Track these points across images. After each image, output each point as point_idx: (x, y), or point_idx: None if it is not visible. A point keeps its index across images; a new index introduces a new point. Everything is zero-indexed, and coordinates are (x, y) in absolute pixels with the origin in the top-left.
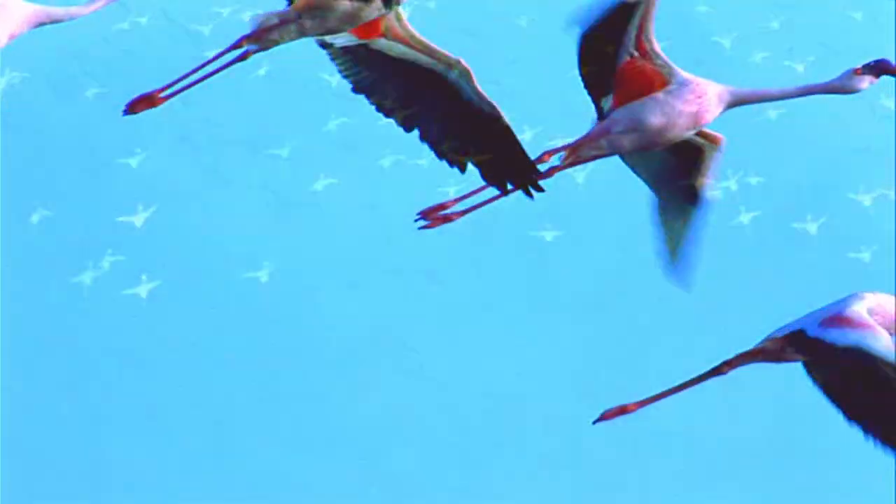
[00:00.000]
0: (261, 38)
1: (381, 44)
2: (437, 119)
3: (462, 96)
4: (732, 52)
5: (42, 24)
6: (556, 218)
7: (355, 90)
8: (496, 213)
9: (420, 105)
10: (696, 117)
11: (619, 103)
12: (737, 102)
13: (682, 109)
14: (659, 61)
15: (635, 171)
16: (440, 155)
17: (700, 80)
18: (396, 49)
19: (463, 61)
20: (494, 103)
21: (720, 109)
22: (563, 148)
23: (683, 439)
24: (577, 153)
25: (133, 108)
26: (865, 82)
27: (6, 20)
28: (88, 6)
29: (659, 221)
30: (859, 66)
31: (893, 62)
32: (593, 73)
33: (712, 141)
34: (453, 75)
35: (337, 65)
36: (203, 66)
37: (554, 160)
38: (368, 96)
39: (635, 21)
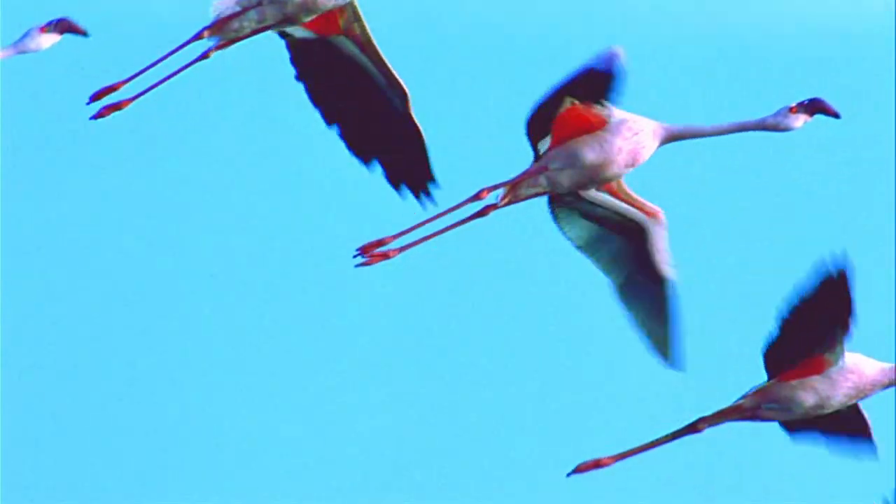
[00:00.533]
0: (222, 27)
1: (339, 40)
2: (361, 122)
3: (393, 114)
4: None
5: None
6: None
7: (298, 77)
8: None
9: (350, 106)
10: (634, 154)
11: (556, 144)
12: (672, 138)
13: (620, 146)
14: (599, 106)
15: (590, 259)
16: (353, 151)
17: (636, 116)
18: (349, 49)
19: (403, 84)
20: (418, 124)
21: (656, 145)
22: (502, 185)
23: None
24: (516, 191)
25: (99, 113)
26: (800, 121)
27: None
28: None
29: (626, 308)
30: (794, 104)
31: (827, 101)
32: (534, 121)
33: (653, 216)
34: (391, 93)
35: (290, 53)
36: (164, 58)
37: (491, 198)
38: (307, 84)
39: None
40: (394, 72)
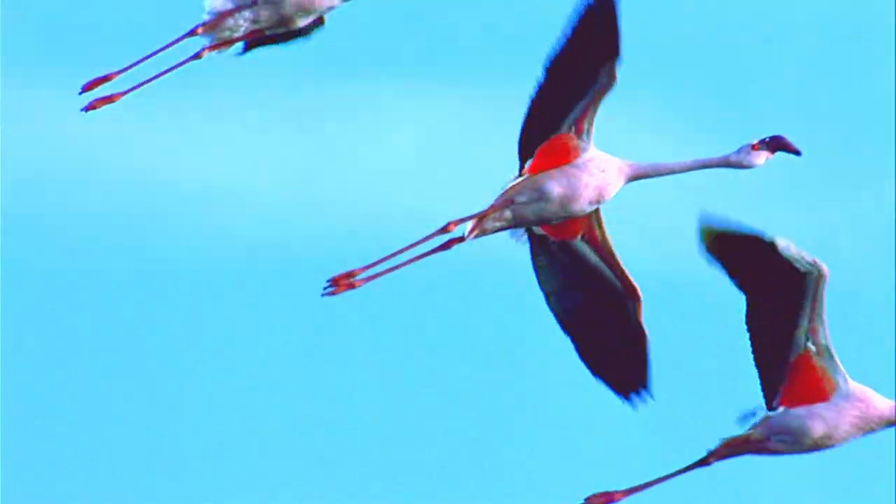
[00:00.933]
0: (216, 26)
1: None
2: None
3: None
4: None
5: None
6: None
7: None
8: None
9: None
10: (600, 190)
11: (534, 171)
12: (637, 176)
13: (587, 182)
14: (583, 138)
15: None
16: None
17: (604, 154)
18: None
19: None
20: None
21: (621, 183)
22: (469, 217)
23: None
24: (483, 224)
25: (91, 105)
26: (762, 158)
27: None
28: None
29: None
30: (756, 141)
31: (788, 139)
32: (529, 133)
33: (632, 292)
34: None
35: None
36: (157, 52)
37: (458, 231)
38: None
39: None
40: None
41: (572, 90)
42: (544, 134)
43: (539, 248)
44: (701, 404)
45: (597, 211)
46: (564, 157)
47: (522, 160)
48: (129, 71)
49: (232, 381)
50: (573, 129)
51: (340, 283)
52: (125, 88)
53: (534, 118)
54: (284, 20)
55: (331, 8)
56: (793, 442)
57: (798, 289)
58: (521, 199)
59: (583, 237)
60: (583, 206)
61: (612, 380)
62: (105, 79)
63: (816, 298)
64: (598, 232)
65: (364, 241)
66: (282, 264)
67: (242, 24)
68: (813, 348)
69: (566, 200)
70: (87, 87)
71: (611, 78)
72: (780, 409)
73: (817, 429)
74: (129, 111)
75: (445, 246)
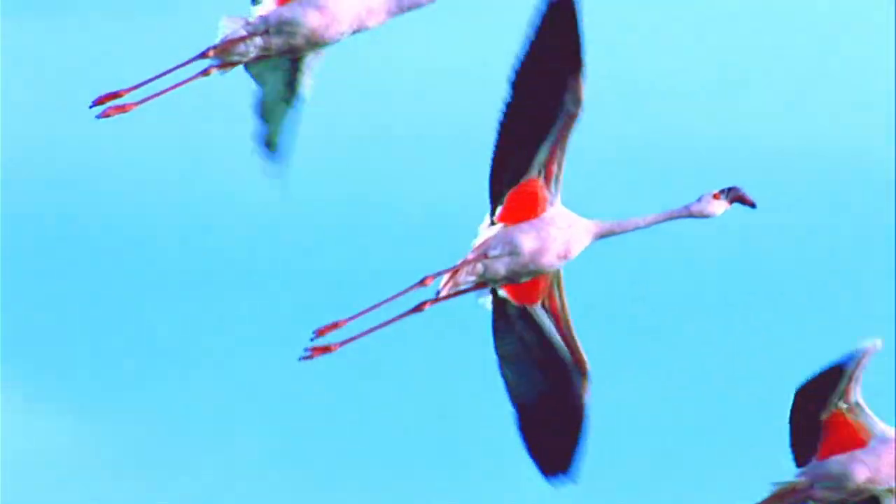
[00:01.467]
0: (226, 49)
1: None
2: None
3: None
4: None
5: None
6: None
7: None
8: None
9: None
10: (567, 245)
11: (503, 219)
12: (604, 234)
13: (555, 235)
14: (552, 190)
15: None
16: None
17: (569, 212)
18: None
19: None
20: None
21: (588, 241)
22: (444, 272)
23: None
24: (456, 278)
25: (105, 112)
26: (721, 207)
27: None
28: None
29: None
30: (717, 190)
31: (745, 190)
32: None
33: (582, 368)
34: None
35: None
36: (169, 71)
37: (431, 290)
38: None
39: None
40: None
41: (539, 115)
42: (514, 176)
43: (500, 311)
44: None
45: (559, 278)
46: (533, 208)
47: (494, 201)
48: (140, 88)
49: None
50: (542, 173)
51: (316, 350)
52: (136, 100)
53: (503, 152)
54: (293, 50)
55: (338, 41)
56: (837, 487)
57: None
58: (494, 252)
59: (543, 304)
60: (551, 260)
61: (540, 457)
62: (116, 94)
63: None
64: (557, 300)
65: None
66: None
67: (252, 50)
68: (844, 406)
69: (536, 254)
70: (99, 101)
71: (577, 102)
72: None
73: (859, 473)
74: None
75: (418, 308)
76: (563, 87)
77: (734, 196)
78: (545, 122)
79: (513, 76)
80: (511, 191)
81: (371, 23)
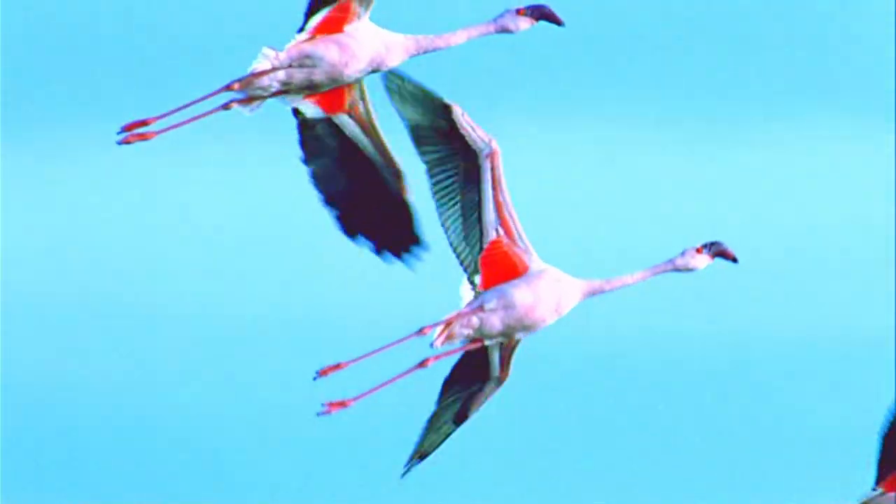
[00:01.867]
0: (250, 83)
1: (342, 119)
2: (354, 201)
3: (387, 193)
4: None
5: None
6: None
7: (304, 161)
8: None
9: (346, 186)
10: (558, 299)
11: (486, 285)
12: (594, 292)
13: (547, 289)
14: (521, 245)
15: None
16: (343, 228)
17: (555, 269)
18: (351, 129)
19: (398, 164)
20: (410, 202)
21: (579, 298)
22: (439, 323)
23: None
24: (451, 330)
25: (126, 139)
26: (704, 261)
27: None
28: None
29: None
30: (699, 244)
31: (726, 245)
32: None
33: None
34: (387, 172)
35: (299, 132)
36: (193, 102)
37: (432, 334)
38: (309, 166)
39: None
40: (391, 152)
41: (458, 168)
42: (475, 240)
43: (306, 126)
44: None
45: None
46: (513, 266)
47: (467, 269)
48: (166, 118)
49: None
50: (499, 229)
51: (333, 406)
52: (159, 129)
53: (450, 218)
54: (313, 86)
55: (357, 79)
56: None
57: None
58: (489, 305)
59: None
60: (545, 314)
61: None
62: (143, 122)
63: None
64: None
65: None
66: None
67: (275, 84)
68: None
69: (531, 308)
70: (126, 128)
71: (483, 139)
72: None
73: None
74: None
75: (422, 364)
76: (458, 134)
77: (716, 250)
78: (471, 175)
79: (415, 147)
80: (481, 257)
81: (390, 62)
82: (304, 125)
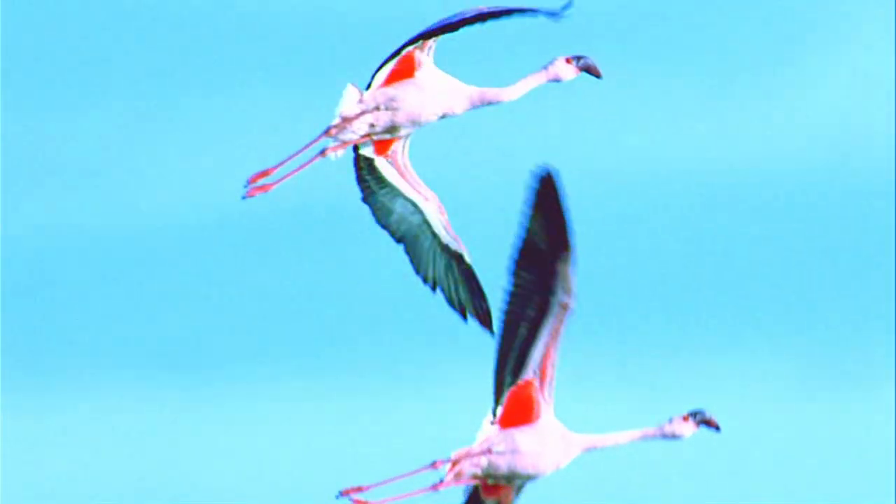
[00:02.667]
0: (343, 128)
1: (379, 162)
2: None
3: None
4: None
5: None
6: None
7: (363, 199)
8: None
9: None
10: (563, 454)
11: (504, 417)
12: (588, 448)
13: (553, 443)
14: (546, 397)
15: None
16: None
17: (560, 423)
18: (388, 171)
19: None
20: (460, 241)
21: (577, 452)
22: (448, 460)
23: None
24: (459, 466)
25: (250, 192)
26: (689, 429)
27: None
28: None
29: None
30: (686, 412)
31: (710, 414)
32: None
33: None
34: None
35: (356, 170)
36: (303, 149)
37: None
38: (368, 205)
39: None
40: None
41: (533, 305)
42: (513, 372)
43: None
44: None
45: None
46: (528, 413)
47: (496, 397)
48: (278, 168)
49: None
50: (538, 374)
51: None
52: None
53: (505, 345)
54: (393, 128)
55: (429, 122)
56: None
57: None
58: (498, 448)
59: (389, 158)
60: (548, 465)
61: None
62: (265, 173)
63: None
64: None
65: None
66: None
67: (362, 128)
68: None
69: (536, 458)
70: (253, 179)
71: (567, 290)
72: None
73: None
74: None
75: (434, 488)
76: (553, 274)
77: (701, 419)
78: (538, 313)
79: (511, 263)
80: (510, 391)
81: (457, 109)
82: (359, 162)
